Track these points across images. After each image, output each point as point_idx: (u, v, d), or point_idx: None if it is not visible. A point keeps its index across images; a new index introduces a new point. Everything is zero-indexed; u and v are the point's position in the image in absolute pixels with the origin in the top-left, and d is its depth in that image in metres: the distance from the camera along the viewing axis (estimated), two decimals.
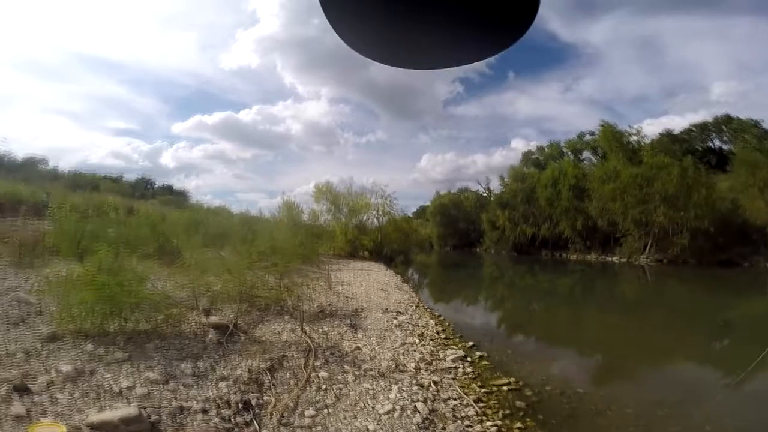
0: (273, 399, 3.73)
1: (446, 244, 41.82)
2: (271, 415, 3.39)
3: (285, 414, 3.47)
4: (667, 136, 33.42)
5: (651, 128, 54.00)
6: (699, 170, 20.91)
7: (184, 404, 3.25)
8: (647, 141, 29.49)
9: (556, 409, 4.01)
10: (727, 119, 32.99)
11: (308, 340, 5.70)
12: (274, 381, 4.18)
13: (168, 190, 41.21)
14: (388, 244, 23.70)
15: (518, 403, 4.11)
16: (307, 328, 6.38)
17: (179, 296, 6.09)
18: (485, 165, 79.72)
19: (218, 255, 8.76)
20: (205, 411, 3.22)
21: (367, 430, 3.36)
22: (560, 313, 10.71)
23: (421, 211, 49.80)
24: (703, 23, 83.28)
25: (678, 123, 60.07)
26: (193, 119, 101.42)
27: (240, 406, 3.43)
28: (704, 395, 4.57)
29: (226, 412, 3.27)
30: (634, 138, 29.65)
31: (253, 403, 3.58)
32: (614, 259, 25.12)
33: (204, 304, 6.25)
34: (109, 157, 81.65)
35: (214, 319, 5.66)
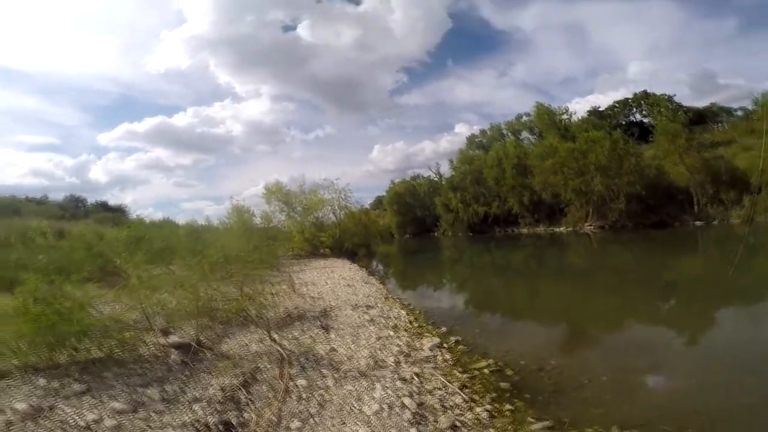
0: (254, 415, 3.49)
1: (405, 232, 42.35)
2: None
3: (269, 430, 3.22)
4: (594, 113, 36.60)
5: (579, 106, 58.65)
6: (627, 141, 23.08)
7: None
8: (577, 118, 32.11)
9: (539, 386, 4.09)
10: (645, 95, 36.67)
11: (279, 349, 5.39)
12: (250, 396, 3.91)
13: (102, 207, 37.62)
14: (348, 238, 23.41)
15: (502, 384, 4.15)
16: (275, 335, 6.07)
17: (130, 318, 5.72)
18: (433, 151, 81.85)
19: (167, 270, 8.10)
20: None
21: None
22: (519, 287, 11.23)
23: (378, 202, 49.98)
24: (620, 7, 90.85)
25: (602, 101, 65.55)
26: (120, 128, 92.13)
27: (220, 427, 3.18)
28: (666, 353, 4.94)
29: None
30: (564, 117, 32.08)
31: (234, 422, 3.32)
32: (561, 229, 26.95)
33: (160, 323, 5.87)
34: (28, 176, 72.03)
35: (173, 338, 5.32)
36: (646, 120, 34.22)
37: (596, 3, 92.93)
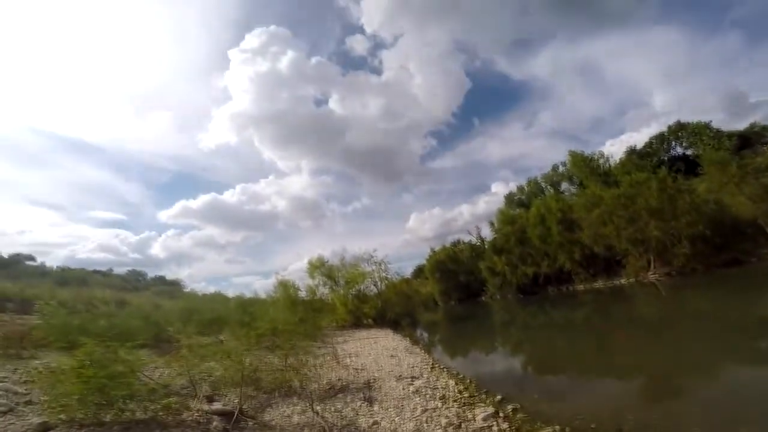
0: None
1: (450, 299, 40.59)
2: None
3: None
4: (633, 153, 35.16)
5: (614, 148, 57.27)
6: (675, 178, 21.59)
7: None
8: (615, 161, 30.92)
9: None
10: (680, 126, 35.19)
11: (321, 421, 5.19)
12: None
13: (161, 280, 40.37)
14: (390, 308, 23.02)
15: None
16: (318, 407, 5.93)
17: (177, 384, 5.92)
18: (471, 214, 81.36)
19: (216, 340, 8.34)
20: None
21: None
22: (582, 344, 10.02)
23: (419, 271, 49.20)
24: (625, 39, 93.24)
25: (636, 138, 64.18)
26: (178, 205, 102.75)
27: None
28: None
29: None
30: (602, 161, 31.09)
31: None
32: (622, 281, 24.55)
33: (205, 390, 6.00)
34: (96, 251, 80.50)
35: (217, 405, 5.39)
36: (689, 152, 32.29)
37: (601, 39, 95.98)
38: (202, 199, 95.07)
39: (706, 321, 9.73)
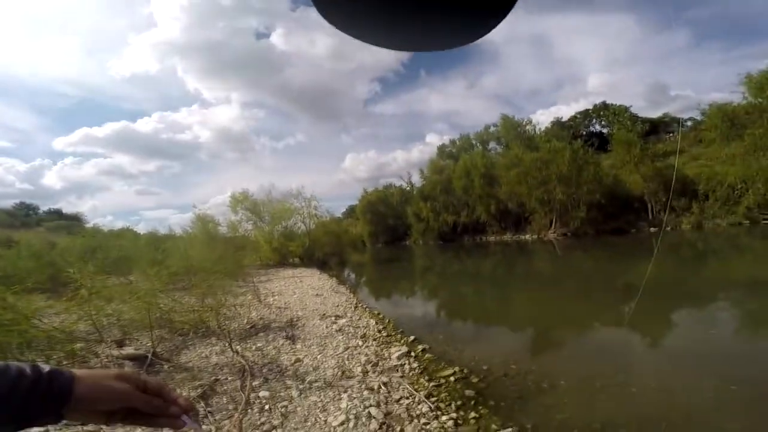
0: (213, 428, 3.37)
1: (378, 241, 42.30)
2: None
3: None
4: (557, 124, 38.47)
5: (543, 117, 61.86)
6: (587, 151, 24.25)
7: None
8: (541, 129, 33.66)
9: (503, 393, 4.10)
10: (604, 106, 39.04)
11: (241, 360, 5.25)
12: (210, 408, 3.77)
13: (57, 214, 35.16)
14: (319, 247, 23.12)
15: (467, 392, 4.13)
16: (238, 347, 5.92)
17: (81, 330, 5.52)
18: (405, 160, 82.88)
19: (125, 281, 7.73)
20: None
21: None
22: (487, 294, 11.41)
23: (351, 211, 49.68)
24: (582, 20, 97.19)
25: (565, 111, 69.73)
26: (79, 132, 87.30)
27: None
28: (626, 357, 5.09)
29: None
30: (529, 128, 33.51)
31: None
32: (527, 236, 27.84)
33: (113, 335, 5.73)
34: None
35: (128, 350, 5.19)
36: (605, 130, 36.33)
37: (560, 16, 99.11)
38: (111, 127, 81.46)
39: (587, 281, 11.69)
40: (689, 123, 33.07)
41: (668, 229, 18.45)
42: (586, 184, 22.17)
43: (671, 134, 34.34)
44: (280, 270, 18.66)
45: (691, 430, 3.18)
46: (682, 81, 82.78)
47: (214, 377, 4.58)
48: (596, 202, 21.74)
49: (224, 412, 3.69)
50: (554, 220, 25.14)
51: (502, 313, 8.70)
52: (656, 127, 34.51)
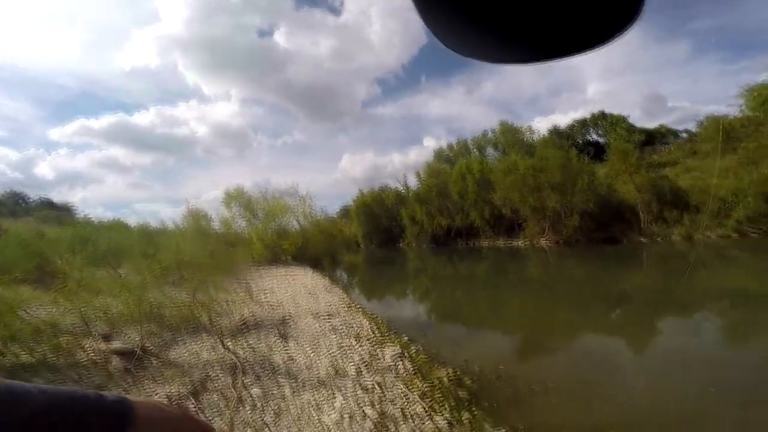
0: None
1: (371, 242, 42.24)
2: None
3: None
4: (555, 132, 38.89)
5: (540, 125, 62.59)
6: (581, 160, 24.57)
7: None
8: (539, 136, 33.97)
9: (496, 395, 4.13)
10: (602, 115, 39.53)
11: (233, 357, 5.19)
12: (200, 405, 3.71)
13: (47, 204, 34.46)
14: (312, 246, 23.01)
15: (461, 393, 4.15)
16: (229, 343, 5.84)
17: (68, 323, 5.42)
18: (401, 163, 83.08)
19: (114, 274, 7.62)
20: None
21: None
22: (479, 297, 11.46)
23: (345, 211, 49.55)
24: None
25: (562, 120, 70.69)
26: (75, 123, 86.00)
27: None
28: (617, 363, 5.16)
29: None
30: (527, 135, 33.84)
31: None
32: (519, 242, 28.03)
33: (101, 329, 5.60)
34: None
35: (116, 344, 5.08)
36: (602, 140, 36.79)
37: None
38: (107, 119, 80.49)
39: (579, 288, 11.80)
40: (685, 135, 33.72)
41: (659, 239, 18.73)
42: (580, 192, 22.40)
43: (666, 145, 34.91)
44: (272, 268, 18.52)
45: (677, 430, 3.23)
46: (680, 92, 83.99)
47: (204, 374, 4.53)
48: (589, 211, 21.99)
49: (215, 410, 3.66)
50: (547, 228, 25.36)
51: (493, 316, 8.75)
52: (652, 138, 35.06)
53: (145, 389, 4.02)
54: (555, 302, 10.01)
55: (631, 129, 27.18)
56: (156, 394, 3.86)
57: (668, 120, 70.08)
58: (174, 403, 3.66)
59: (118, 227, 18.69)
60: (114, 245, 11.69)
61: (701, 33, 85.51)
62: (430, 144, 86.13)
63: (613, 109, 45.26)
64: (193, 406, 3.68)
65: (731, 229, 15.46)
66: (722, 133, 16.74)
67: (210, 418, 3.46)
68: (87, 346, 4.99)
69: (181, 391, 3.96)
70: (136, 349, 4.89)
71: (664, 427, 3.30)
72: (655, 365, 4.97)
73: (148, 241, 12.95)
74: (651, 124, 39.60)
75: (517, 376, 4.66)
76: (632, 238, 20.41)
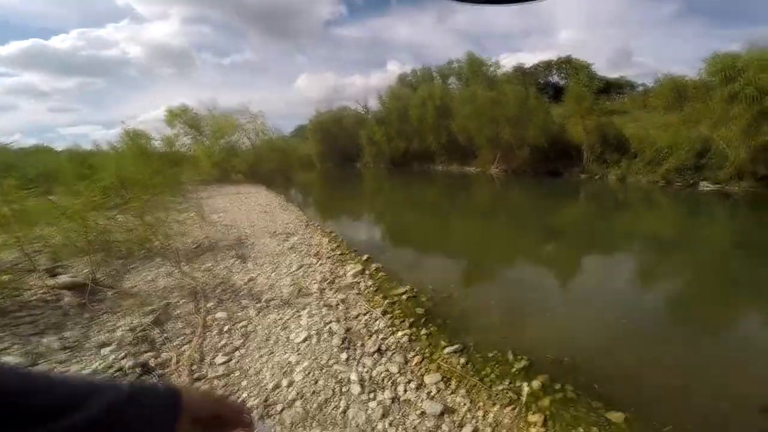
0: (173, 354, 3.30)
1: (328, 161, 41.38)
2: (179, 372, 2.99)
3: (194, 367, 3.11)
4: (519, 70, 38.38)
5: (506, 61, 60.74)
6: (539, 99, 25.07)
7: None
8: (504, 72, 33.40)
9: (448, 312, 4.54)
10: (567, 60, 39.21)
11: (191, 281, 5.12)
12: (166, 334, 3.69)
13: None
14: (265, 165, 22.21)
15: (418, 310, 4.53)
16: (186, 268, 5.71)
17: (6, 261, 5.07)
18: (364, 85, 77.95)
19: (46, 200, 6.83)
20: None
21: (290, 362, 3.25)
22: (433, 220, 12.02)
23: (300, 131, 47.42)
24: None
25: (529, 59, 69.04)
26: None
27: (138, 371, 2.99)
28: (550, 290, 5.78)
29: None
30: (492, 69, 33.06)
31: (152, 363, 3.13)
32: (471, 169, 29.11)
33: (44, 263, 5.24)
34: None
35: (64, 278, 4.79)
36: (563, 82, 37.02)
37: None
38: (16, 45, 62.80)
39: (520, 216, 12.79)
40: (641, 88, 34.90)
41: (597, 177, 20.44)
42: (533, 128, 23.17)
43: (622, 96, 36.05)
44: (222, 187, 17.74)
45: (591, 352, 3.84)
46: (648, 49, 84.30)
47: (165, 301, 4.47)
48: (539, 146, 23.09)
49: (182, 337, 3.63)
50: (498, 157, 26.35)
51: (444, 240, 9.30)
52: (610, 87, 35.86)
53: (105, 324, 3.89)
54: (499, 227, 10.87)
55: (593, 76, 27.50)
56: (118, 328, 3.77)
57: (629, 73, 71.30)
58: (138, 334, 3.62)
59: (43, 151, 17.13)
60: (44, 170, 10.81)
61: None
62: (395, 69, 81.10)
63: (580, 56, 44.88)
64: (158, 335, 3.64)
65: (660, 177, 17.15)
66: (674, 91, 17.54)
67: (178, 346, 3.46)
68: (32, 283, 4.64)
69: (143, 321, 3.88)
70: (87, 282, 4.64)
71: (584, 346, 3.89)
72: (579, 292, 5.73)
73: (81, 162, 11.95)
74: (613, 75, 40.18)
75: (465, 295, 5.16)
76: (573, 174, 22.01)
